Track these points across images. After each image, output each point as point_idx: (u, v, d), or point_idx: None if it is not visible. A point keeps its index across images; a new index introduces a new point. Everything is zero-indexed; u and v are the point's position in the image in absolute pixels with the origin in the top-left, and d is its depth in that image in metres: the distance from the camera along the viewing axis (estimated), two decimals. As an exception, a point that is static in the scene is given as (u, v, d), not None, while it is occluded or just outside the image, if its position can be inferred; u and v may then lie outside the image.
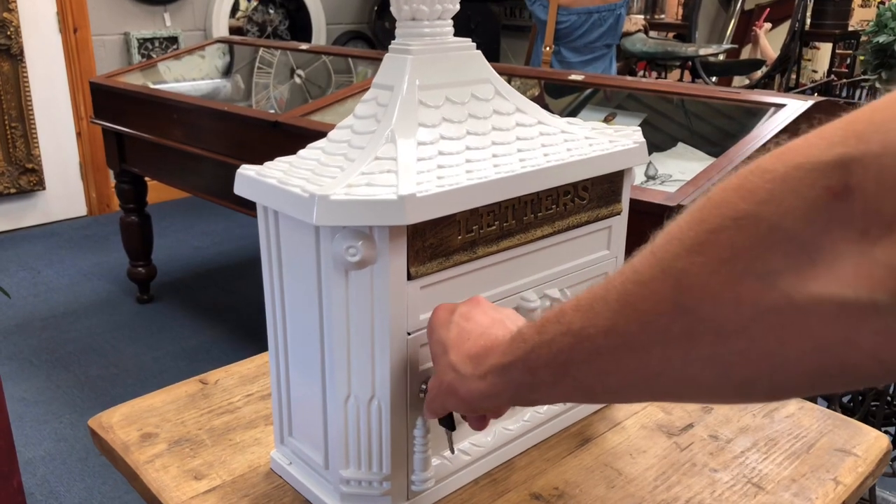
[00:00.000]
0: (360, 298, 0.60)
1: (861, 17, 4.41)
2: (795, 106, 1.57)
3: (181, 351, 2.56)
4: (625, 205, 0.79)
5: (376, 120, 0.67)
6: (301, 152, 0.67)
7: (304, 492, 0.69)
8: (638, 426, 0.80)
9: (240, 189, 0.64)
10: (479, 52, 0.74)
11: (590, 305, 0.42)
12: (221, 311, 2.87)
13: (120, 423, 0.79)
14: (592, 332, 0.41)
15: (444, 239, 0.62)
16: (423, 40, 0.69)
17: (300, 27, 4.70)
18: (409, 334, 0.62)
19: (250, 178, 0.63)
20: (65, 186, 3.87)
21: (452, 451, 0.67)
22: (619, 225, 0.79)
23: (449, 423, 0.63)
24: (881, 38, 3.43)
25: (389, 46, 0.70)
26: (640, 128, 0.80)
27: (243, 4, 4.48)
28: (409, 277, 0.61)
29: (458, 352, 0.55)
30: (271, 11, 4.61)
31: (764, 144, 1.44)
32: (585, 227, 0.75)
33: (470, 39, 0.73)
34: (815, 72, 4.62)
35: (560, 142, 0.73)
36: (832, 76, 3.74)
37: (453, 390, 0.54)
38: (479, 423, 0.61)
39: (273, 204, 0.62)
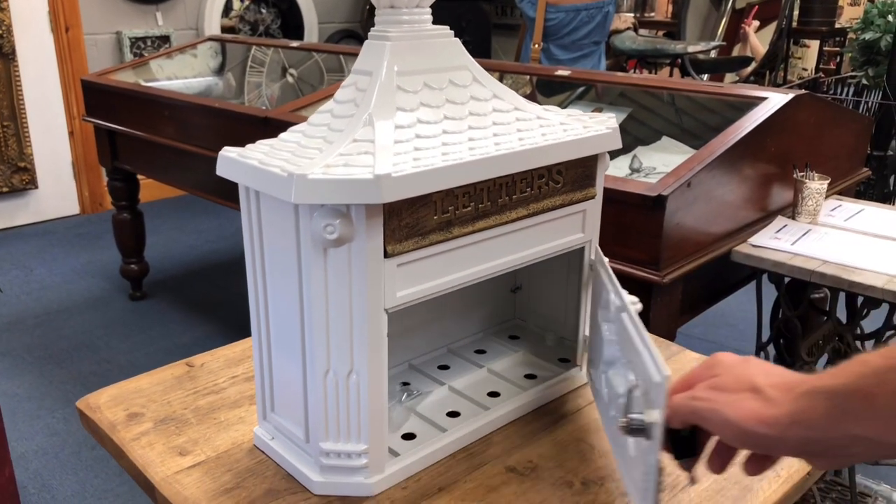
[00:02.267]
0: (339, 275, 0.62)
1: (851, 16, 4.45)
2: (777, 99, 1.60)
3: (174, 347, 2.58)
4: (599, 189, 0.81)
5: (355, 104, 0.69)
6: (282, 135, 0.69)
7: (285, 465, 0.71)
8: (613, 404, 0.82)
9: (222, 170, 0.66)
10: (457, 39, 0.76)
11: None
12: (214, 307, 2.89)
13: (107, 403, 0.81)
14: None
15: (420, 219, 0.64)
16: (401, 27, 0.71)
17: (292, 26, 4.71)
18: (386, 311, 0.64)
19: (232, 159, 0.65)
20: (57, 185, 3.88)
21: (693, 479, 0.59)
22: (593, 209, 0.81)
23: (689, 449, 0.57)
24: (868, 35, 3.47)
25: (369, 33, 0.72)
26: (614, 115, 0.82)
27: (236, 4, 4.49)
28: (386, 255, 0.63)
29: (765, 378, 0.51)
30: (263, 11, 4.63)
31: (745, 135, 1.47)
32: (560, 211, 0.77)
33: (448, 27, 0.75)
34: (805, 70, 4.66)
35: (535, 127, 0.76)
36: (820, 73, 3.78)
37: (747, 411, 0.50)
38: (720, 462, 0.56)
39: (254, 184, 0.64)
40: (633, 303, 0.75)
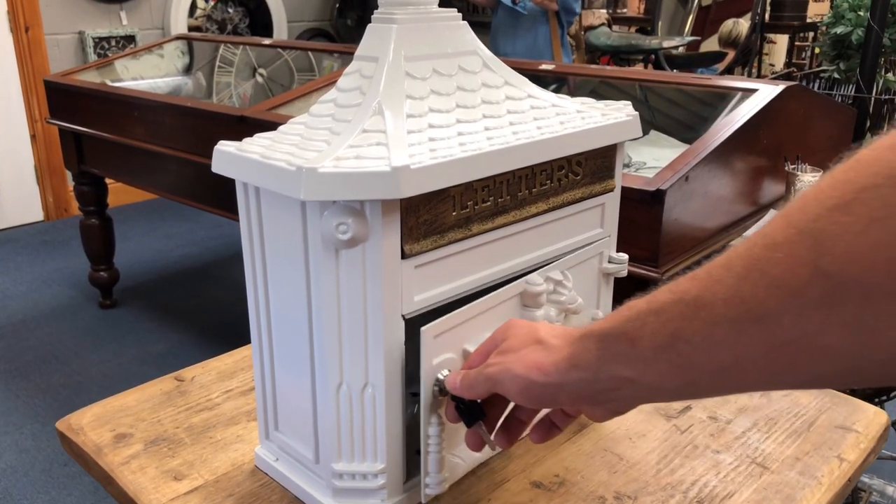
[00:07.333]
0: (352, 279, 0.57)
1: (816, 11, 4.49)
2: (767, 91, 1.57)
3: (148, 356, 2.49)
4: (617, 181, 0.76)
5: (361, 92, 0.63)
6: (282, 128, 0.64)
7: (293, 489, 0.65)
8: (635, 410, 0.78)
9: (218, 166, 0.60)
10: (465, 23, 0.70)
11: (707, 274, 0.39)
12: (188, 314, 2.80)
13: (91, 424, 0.74)
14: (710, 300, 0.38)
15: (438, 215, 0.59)
16: (407, 9, 0.66)
17: (261, 25, 4.62)
18: (403, 317, 0.59)
19: (230, 153, 0.59)
20: (20, 191, 3.74)
21: (491, 444, 0.59)
22: (612, 202, 0.76)
23: (477, 412, 0.57)
24: (839, 29, 3.49)
25: (372, 16, 0.67)
26: (630, 102, 0.78)
27: (200, 3, 4.39)
28: (404, 256, 0.57)
29: (547, 330, 0.53)
30: (231, 10, 4.53)
31: (739, 128, 1.44)
32: (580, 204, 0.72)
33: (456, 10, 0.70)
34: (772, 65, 4.69)
35: (552, 115, 0.70)
36: (793, 68, 3.80)
37: (531, 361, 0.50)
38: (507, 437, 0.58)
39: (255, 180, 0.58)
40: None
